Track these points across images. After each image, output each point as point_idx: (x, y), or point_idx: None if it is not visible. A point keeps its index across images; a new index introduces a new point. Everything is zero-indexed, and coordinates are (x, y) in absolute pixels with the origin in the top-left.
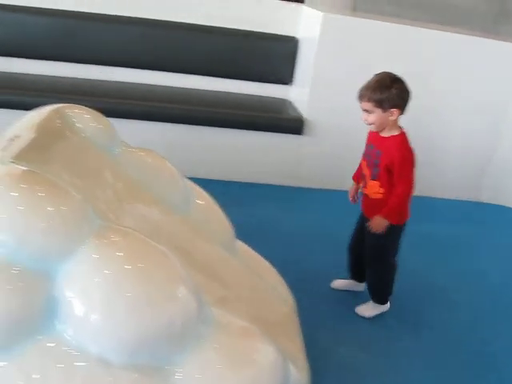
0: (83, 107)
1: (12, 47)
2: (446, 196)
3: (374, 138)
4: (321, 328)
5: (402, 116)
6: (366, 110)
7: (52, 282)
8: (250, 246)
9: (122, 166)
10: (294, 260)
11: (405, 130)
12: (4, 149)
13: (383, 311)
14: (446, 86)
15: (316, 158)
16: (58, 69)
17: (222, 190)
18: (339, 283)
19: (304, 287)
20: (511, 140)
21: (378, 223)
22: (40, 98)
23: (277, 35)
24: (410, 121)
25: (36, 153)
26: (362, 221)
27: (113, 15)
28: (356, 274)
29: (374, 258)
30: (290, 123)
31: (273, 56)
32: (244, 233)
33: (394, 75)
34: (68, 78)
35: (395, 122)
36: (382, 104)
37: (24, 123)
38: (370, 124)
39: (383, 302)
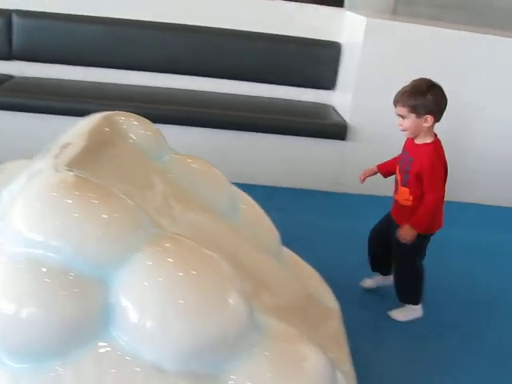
0: (132, 114)
1: (60, 54)
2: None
3: (408, 145)
4: (364, 335)
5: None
6: (400, 116)
7: (107, 289)
8: (293, 252)
9: (170, 172)
10: (338, 266)
11: (439, 138)
12: (56, 156)
13: (417, 316)
14: (492, 89)
15: (359, 164)
16: (103, 75)
17: (264, 196)
18: (369, 282)
19: (348, 294)
20: None
21: (407, 232)
22: (87, 105)
23: (320, 40)
24: (454, 124)
25: (88, 160)
26: (389, 220)
27: (155, 22)
28: (377, 266)
29: (399, 264)
30: (333, 129)
31: (316, 61)
32: (288, 239)
33: (431, 81)
34: (113, 84)
35: (430, 129)
36: (416, 110)
37: (75, 131)
38: (404, 130)
39: (412, 302)
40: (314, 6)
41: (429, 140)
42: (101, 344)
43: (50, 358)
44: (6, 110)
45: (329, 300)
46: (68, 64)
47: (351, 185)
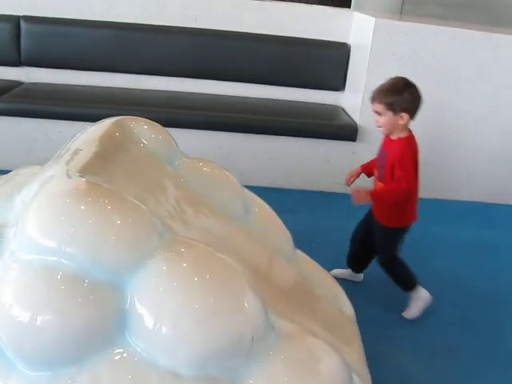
0: (142, 119)
1: (68, 60)
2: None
3: (384, 141)
4: (379, 336)
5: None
6: (377, 112)
7: (123, 295)
8: (306, 254)
9: (182, 177)
10: None
11: (413, 134)
12: (68, 162)
13: (427, 302)
14: (502, 88)
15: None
16: (112, 80)
17: (275, 198)
18: (337, 272)
19: (361, 294)
20: None
21: (361, 194)
22: (97, 110)
23: (328, 42)
24: (468, 122)
25: (100, 165)
26: (369, 217)
27: (164, 26)
28: (353, 264)
29: (381, 255)
30: (342, 130)
31: (324, 62)
32: (299, 241)
33: (408, 80)
34: (122, 88)
35: (405, 126)
36: (392, 107)
37: (86, 136)
38: (380, 126)
39: (412, 288)
40: (322, 7)
41: (403, 135)
42: (117, 350)
43: (66, 366)
44: (16, 116)
45: (343, 302)
46: (77, 69)
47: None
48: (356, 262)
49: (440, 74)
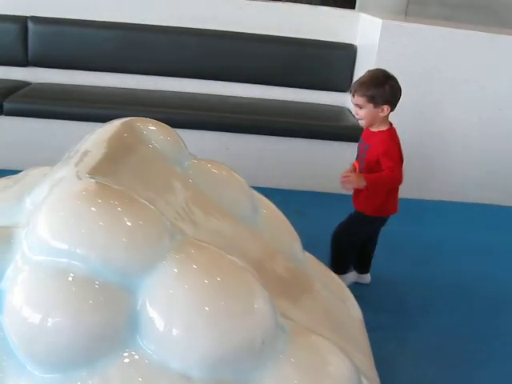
0: (151, 120)
1: (75, 60)
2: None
3: (365, 133)
4: (387, 339)
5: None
6: (357, 105)
7: (134, 297)
8: (313, 255)
9: (191, 178)
10: None
11: (394, 126)
12: (77, 164)
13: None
14: (508, 91)
15: None
16: (119, 80)
17: (281, 199)
18: (345, 277)
19: (366, 297)
20: None
21: (354, 178)
22: (104, 110)
23: (334, 43)
24: (474, 123)
25: (109, 167)
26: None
27: (170, 26)
28: (356, 265)
29: (336, 233)
30: (349, 131)
31: (330, 64)
32: (306, 242)
33: (387, 72)
34: (129, 89)
35: (385, 118)
36: (374, 99)
37: (95, 137)
38: (361, 119)
39: (340, 273)
40: (328, 8)
41: (384, 128)
42: (128, 353)
43: (76, 368)
44: (23, 116)
45: (351, 305)
46: (84, 69)
47: None
48: (357, 261)
49: (446, 76)
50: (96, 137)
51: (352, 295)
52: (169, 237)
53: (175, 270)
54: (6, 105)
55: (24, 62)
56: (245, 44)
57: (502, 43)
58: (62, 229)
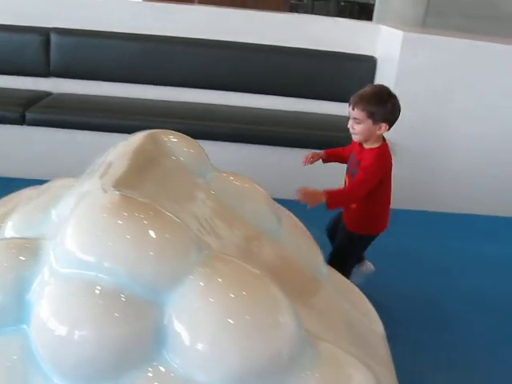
0: (174, 132)
1: (97, 71)
2: None
3: (356, 149)
4: (412, 354)
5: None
6: (356, 119)
7: (160, 311)
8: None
9: (214, 190)
10: (380, 283)
11: (387, 143)
12: (102, 177)
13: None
14: None
15: (398, 179)
16: (141, 91)
17: (302, 211)
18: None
19: (386, 311)
20: None
21: (312, 195)
22: (126, 121)
23: (355, 55)
24: (495, 135)
25: (134, 179)
26: (340, 217)
27: (192, 38)
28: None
29: (333, 261)
30: None
31: (351, 76)
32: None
33: (390, 90)
34: (151, 100)
35: (380, 136)
36: (374, 116)
37: (119, 150)
38: (356, 134)
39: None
40: (348, 20)
41: (376, 145)
42: (154, 367)
43: (103, 381)
44: (45, 127)
45: (373, 319)
46: (104, 80)
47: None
48: None
49: (468, 88)
50: (120, 149)
51: (373, 309)
52: (195, 250)
53: (201, 284)
54: (28, 115)
55: (46, 73)
56: (266, 56)
57: None
58: (90, 242)
